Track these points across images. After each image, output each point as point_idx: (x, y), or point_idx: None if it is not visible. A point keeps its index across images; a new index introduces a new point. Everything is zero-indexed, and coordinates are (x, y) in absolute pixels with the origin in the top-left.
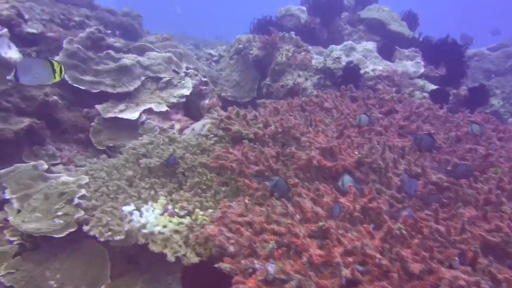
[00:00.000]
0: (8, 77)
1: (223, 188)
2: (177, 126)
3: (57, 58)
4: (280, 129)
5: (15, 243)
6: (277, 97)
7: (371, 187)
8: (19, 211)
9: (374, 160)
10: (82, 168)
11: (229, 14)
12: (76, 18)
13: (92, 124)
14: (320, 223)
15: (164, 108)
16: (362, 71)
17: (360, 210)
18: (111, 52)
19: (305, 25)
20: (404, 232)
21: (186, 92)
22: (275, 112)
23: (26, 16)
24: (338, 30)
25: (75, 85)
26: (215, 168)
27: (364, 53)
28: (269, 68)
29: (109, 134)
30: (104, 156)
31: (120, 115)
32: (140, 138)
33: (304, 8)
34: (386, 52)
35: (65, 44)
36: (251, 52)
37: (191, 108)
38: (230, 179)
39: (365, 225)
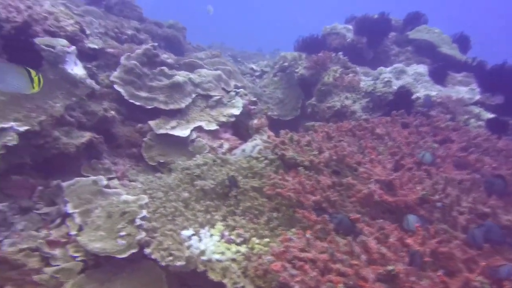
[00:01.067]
0: None
1: (275, 214)
2: (226, 146)
3: (115, 73)
4: (334, 157)
5: (78, 259)
6: (323, 118)
7: (436, 227)
8: (80, 226)
9: (441, 198)
10: (138, 185)
11: (265, 25)
12: (129, 32)
13: (145, 139)
14: (389, 267)
15: (214, 127)
16: (414, 96)
17: (429, 253)
18: (165, 69)
19: (351, 44)
20: None
21: (236, 112)
22: (327, 137)
23: (88, 31)
24: (385, 50)
25: (131, 100)
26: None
27: (414, 77)
28: (314, 87)
29: (160, 149)
30: (159, 174)
31: (172, 132)
32: (194, 158)
33: (350, 27)
34: (438, 76)
35: (123, 60)
36: (297, 70)
37: (239, 127)
38: (281, 204)
39: (438, 274)
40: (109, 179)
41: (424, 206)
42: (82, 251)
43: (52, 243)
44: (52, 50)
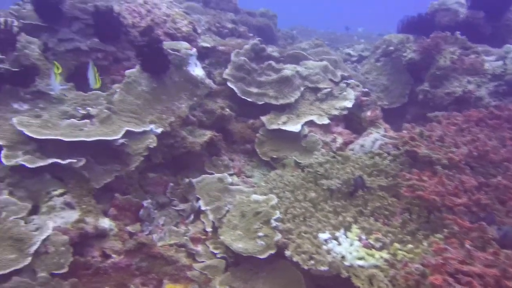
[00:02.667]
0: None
1: (408, 215)
2: (339, 140)
3: (226, 71)
4: (475, 153)
5: (218, 256)
6: (439, 106)
7: None
8: (213, 222)
9: None
10: (262, 183)
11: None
12: (229, 26)
13: (257, 135)
14: None
15: (326, 120)
16: None
17: None
18: (272, 63)
19: (465, 20)
20: None
21: (349, 104)
22: (458, 129)
23: (199, 30)
24: (507, 24)
25: (243, 97)
26: (392, 190)
27: None
28: (425, 72)
29: (272, 145)
30: (279, 172)
31: (283, 127)
32: (315, 156)
33: (462, 1)
34: None
35: (233, 57)
36: (404, 54)
37: (351, 120)
38: (412, 204)
39: None
40: (229, 175)
41: None
42: (221, 248)
43: (195, 240)
44: (178, 53)
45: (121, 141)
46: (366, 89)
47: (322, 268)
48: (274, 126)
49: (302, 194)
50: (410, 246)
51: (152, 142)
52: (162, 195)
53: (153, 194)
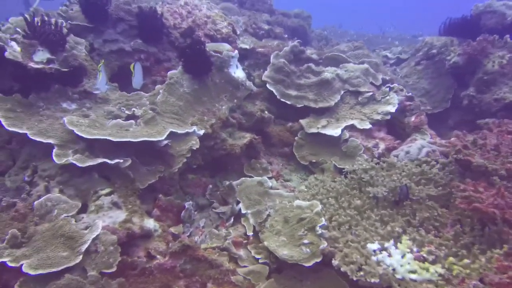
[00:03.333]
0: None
1: (459, 227)
2: (382, 146)
3: (266, 73)
4: None
5: (261, 261)
6: (487, 112)
7: None
8: (254, 227)
9: None
10: (303, 187)
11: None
12: (265, 27)
13: (296, 138)
14: None
15: (367, 125)
16: None
17: None
18: (312, 65)
19: None
20: None
21: (392, 109)
22: None
23: (238, 32)
24: None
25: (282, 99)
26: (441, 200)
27: None
28: (469, 76)
29: (311, 149)
30: (320, 177)
31: (323, 131)
32: (359, 162)
33: (510, 3)
34: None
35: (272, 59)
36: (448, 58)
37: (394, 125)
38: (462, 216)
39: None
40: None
41: None
42: (263, 253)
43: (236, 244)
44: (219, 55)
45: (165, 142)
46: (410, 93)
47: (373, 280)
48: (313, 130)
49: (346, 201)
50: (466, 261)
51: (195, 144)
52: (201, 197)
53: (192, 195)
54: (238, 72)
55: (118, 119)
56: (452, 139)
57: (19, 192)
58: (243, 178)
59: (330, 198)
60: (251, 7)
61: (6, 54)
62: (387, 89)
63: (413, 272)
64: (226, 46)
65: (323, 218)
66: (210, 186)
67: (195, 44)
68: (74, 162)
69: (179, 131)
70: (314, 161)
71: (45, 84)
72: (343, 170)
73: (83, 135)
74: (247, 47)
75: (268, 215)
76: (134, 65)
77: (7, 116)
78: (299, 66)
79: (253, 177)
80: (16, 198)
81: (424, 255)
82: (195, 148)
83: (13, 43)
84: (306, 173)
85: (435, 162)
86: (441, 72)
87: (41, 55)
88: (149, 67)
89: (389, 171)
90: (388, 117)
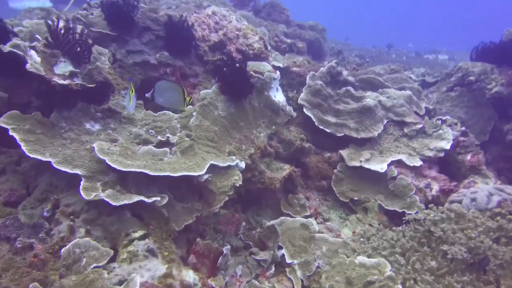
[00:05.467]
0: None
1: None
2: (435, 187)
3: (302, 95)
4: None
5: None
6: None
7: None
8: (302, 280)
9: None
10: (363, 240)
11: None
12: (288, 41)
13: (335, 171)
14: None
15: (418, 162)
16: None
17: None
18: (351, 89)
19: None
20: None
21: (446, 145)
22: None
23: (269, 47)
24: None
25: (320, 127)
26: None
27: None
28: None
29: (351, 183)
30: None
31: (366, 165)
32: (426, 212)
33: None
34: None
35: (308, 80)
36: (489, 87)
37: (447, 163)
38: None
39: None
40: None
41: None
42: None
43: None
44: (261, 76)
45: (206, 177)
46: (464, 128)
47: None
48: (355, 163)
49: (418, 260)
50: None
51: (237, 179)
52: (234, 236)
53: (224, 234)
54: (278, 96)
55: (150, 146)
56: None
57: (36, 230)
58: (283, 218)
59: (397, 255)
60: (267, 16)
61: (28, 66)
62: (439, 121)
63: None
64: (267, 66)
65: (399, 286)
66: (243, 223)
67: (235, 62)
68: (106, 199)
69: (220, 164)
70: (356, 199)
71: (69, 101)
72: (404, 219)
73: (116, 167)
74: (280, 65)
75: (318, 267)
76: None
77: (27, 139)
78: (335, 89)
79: (292, 216)
80: (33, 237)
81: None
82: (238, 185)
83: (33, 53)
84: (345, 210)
85: (508, 214)
86: (480, 101)
87: (63, 67)
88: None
89: (459, 223)
90: (442, 154)
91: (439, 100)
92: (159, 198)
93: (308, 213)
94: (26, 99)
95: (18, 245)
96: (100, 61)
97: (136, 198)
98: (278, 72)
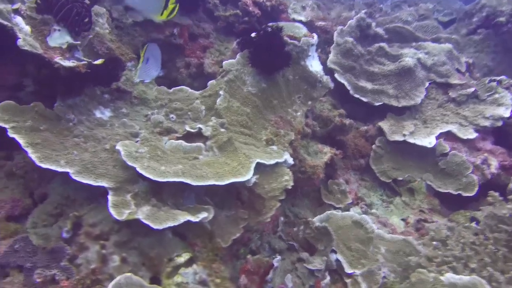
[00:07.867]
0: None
1: None
2: (493, 163)
3: (330, 57)
4: None
5: None
6: None
7: None
8: None
9: None
10: (436, 244)
11: None
12: None
13: (373, 147)
14: None
15: (472, 134)
16: None
17: None
18: (385, 46)
19: None
20: None
21: (506, 112)
22: None
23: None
24: None
25: (356, 95)
26: None
27: None
28: None
29: (392, 160)
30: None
31: (412, 140)
32: (509, 206)
33: None
34: None
35: (336, 37)
36: None
37: (504, 133)
38: None
39: None
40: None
41: None
42: None
43: None
44: (297, 43)
45: (253, 180)
46: None
47: None
48: (398, 137)
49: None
50: None
51: (288, 180)
52: (273, 235)
53: (261, 233)
54: (315, 65)
55: (181, 141)
56: None
57: (55, 257)
58: (329, 213)
59: (490, 269)
60: None
61: (20, 42)
62: (494, 83)
63: None
64: (302, 28)
65: None
66: (282, 218)
67: (266, 27)
68: (145, 221)
69: (267, 162)
70: (400, 179)
71: (74, 85)
72: (474, 214)
73: (151, 177)
74: (302, 18)
75: (385, 277)
76: (148, 46)
77: (34, 142)
78: (365, 45)
79: (335, 206)
80: (54, 267)
81: None
82: (290, 187)
83: (19, 20)
84: (386, 191)
85: None
86: (510, 46)
87: (59, 38)
88: (182, 45)
89: None
90: (500, 123)
91: (460, 46)
92: (206, 214)
93: (350, 200)
94: (15, 81)
95: (38, 280)
96: (99, 25)
97: (182, 218)
98: (315, 36)
